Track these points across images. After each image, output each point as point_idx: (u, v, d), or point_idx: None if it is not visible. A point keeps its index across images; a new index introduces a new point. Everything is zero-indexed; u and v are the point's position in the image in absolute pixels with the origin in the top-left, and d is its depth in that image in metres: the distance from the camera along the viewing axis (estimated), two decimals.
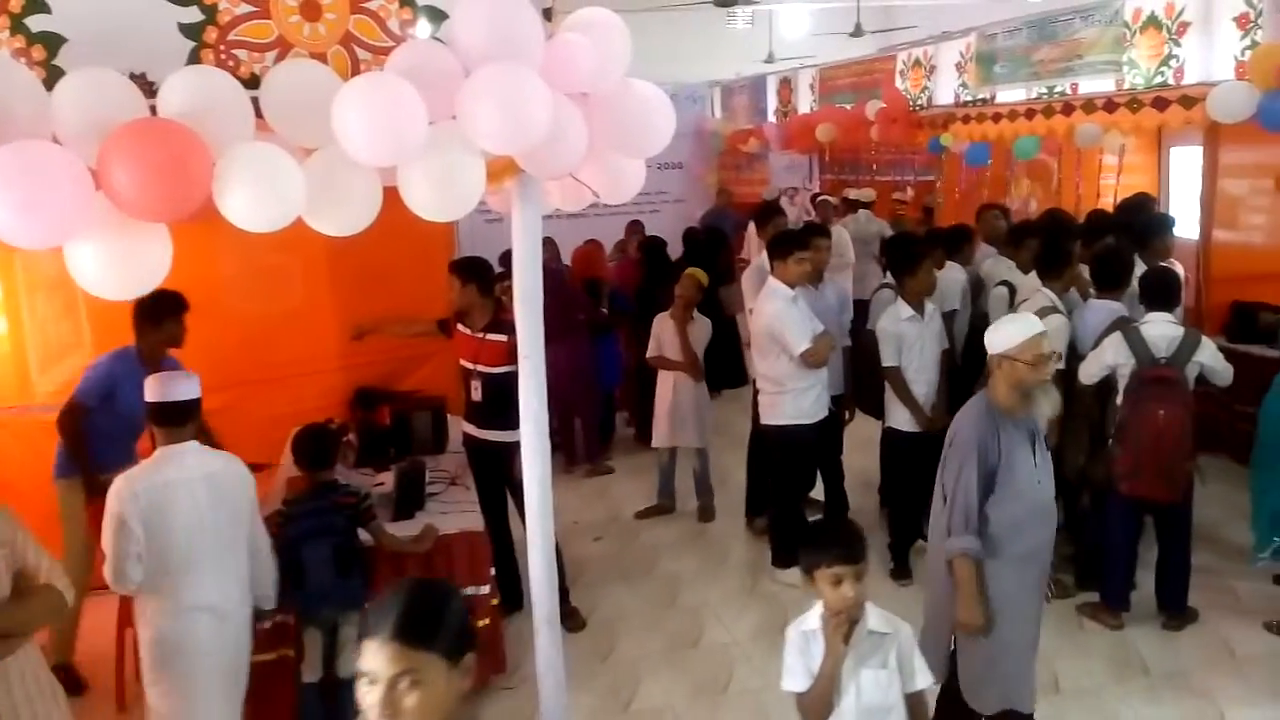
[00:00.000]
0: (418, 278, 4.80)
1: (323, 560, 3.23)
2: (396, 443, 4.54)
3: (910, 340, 4.72)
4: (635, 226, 8.26)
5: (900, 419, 4.82)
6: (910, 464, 4.76)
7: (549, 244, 7.30)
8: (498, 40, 2.04)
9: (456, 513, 3.83)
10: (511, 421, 2.71)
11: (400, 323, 4.66)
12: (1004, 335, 2.94)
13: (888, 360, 4.74)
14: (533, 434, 2.47)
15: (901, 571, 4.90)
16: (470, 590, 3.54)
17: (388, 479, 4.10)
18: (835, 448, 5.31)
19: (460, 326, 4.34)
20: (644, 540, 5.42)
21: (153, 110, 1.86)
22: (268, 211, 1.87)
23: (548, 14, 2.24)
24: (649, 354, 5.68)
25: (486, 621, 3.66)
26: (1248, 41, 5.49)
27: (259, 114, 1.93)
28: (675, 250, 7.42)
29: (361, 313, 4.71)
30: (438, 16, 2.14)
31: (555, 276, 6.62)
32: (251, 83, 1.99)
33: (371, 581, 3.31)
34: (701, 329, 5.63)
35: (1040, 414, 2.98)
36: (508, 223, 2.43)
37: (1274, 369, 4.42)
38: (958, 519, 2.95)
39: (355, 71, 2.11)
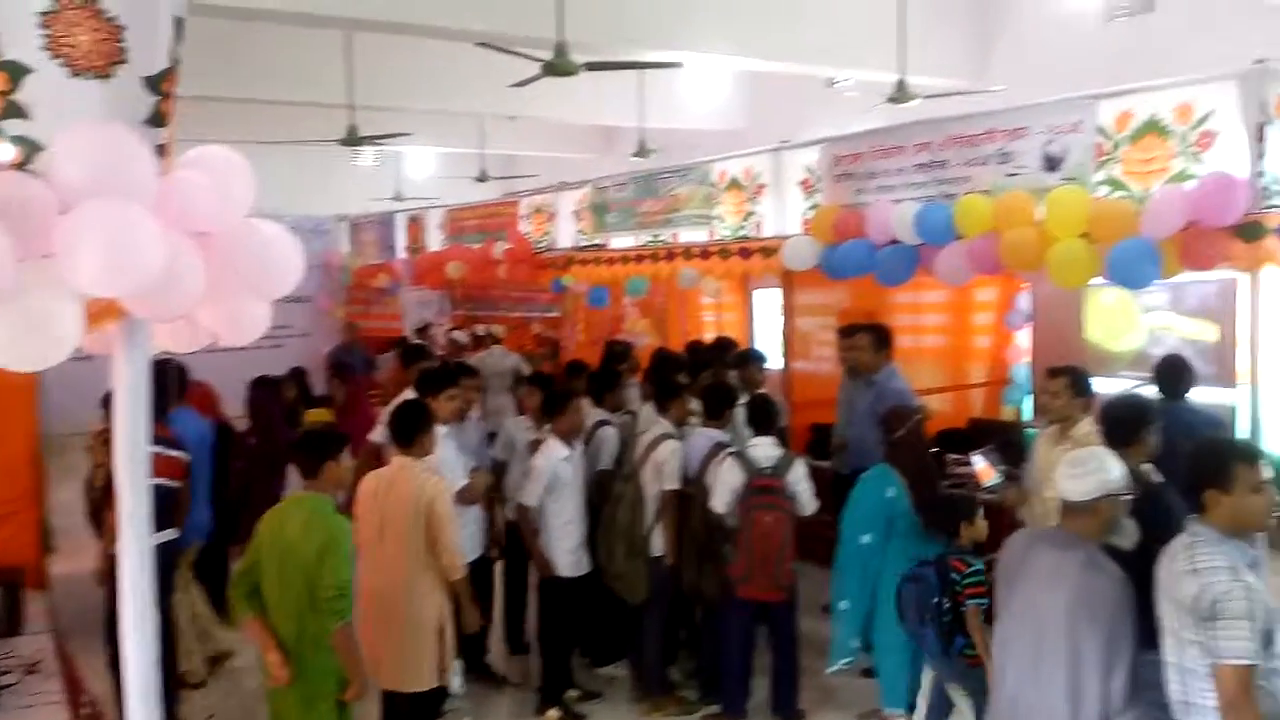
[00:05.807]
0: None
1: None
2: None
3: (565, 479, 4.81)
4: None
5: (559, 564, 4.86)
6: (567, 609, 4.85)
7: (200, 391, 6.46)
8: (102, 175, 1.91)
9: (40, 705, 3.30)
10: None
11: None
12: None
13: (530, 499, 4.76)
14: (137, 615, 2.20)
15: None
16: None
17: None
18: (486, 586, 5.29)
19: None
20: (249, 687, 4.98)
21: None
22: None
23: (161, 151, 2.14)
24: None
25: None
26: (811, 202, 6.46)
27: None
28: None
29: None
30: (32, 147, 1.97)
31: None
32: None
33: None
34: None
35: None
36: (99, 362, 2.22)
37: (844, 483, 5.11)
38: None
39: None
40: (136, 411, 2.19)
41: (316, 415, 5.58)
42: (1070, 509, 3.05)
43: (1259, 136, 4.08)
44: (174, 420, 5.01)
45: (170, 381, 4.94)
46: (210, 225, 2.14)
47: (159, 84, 2.14)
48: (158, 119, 2.15)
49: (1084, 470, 3.02)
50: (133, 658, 2.21)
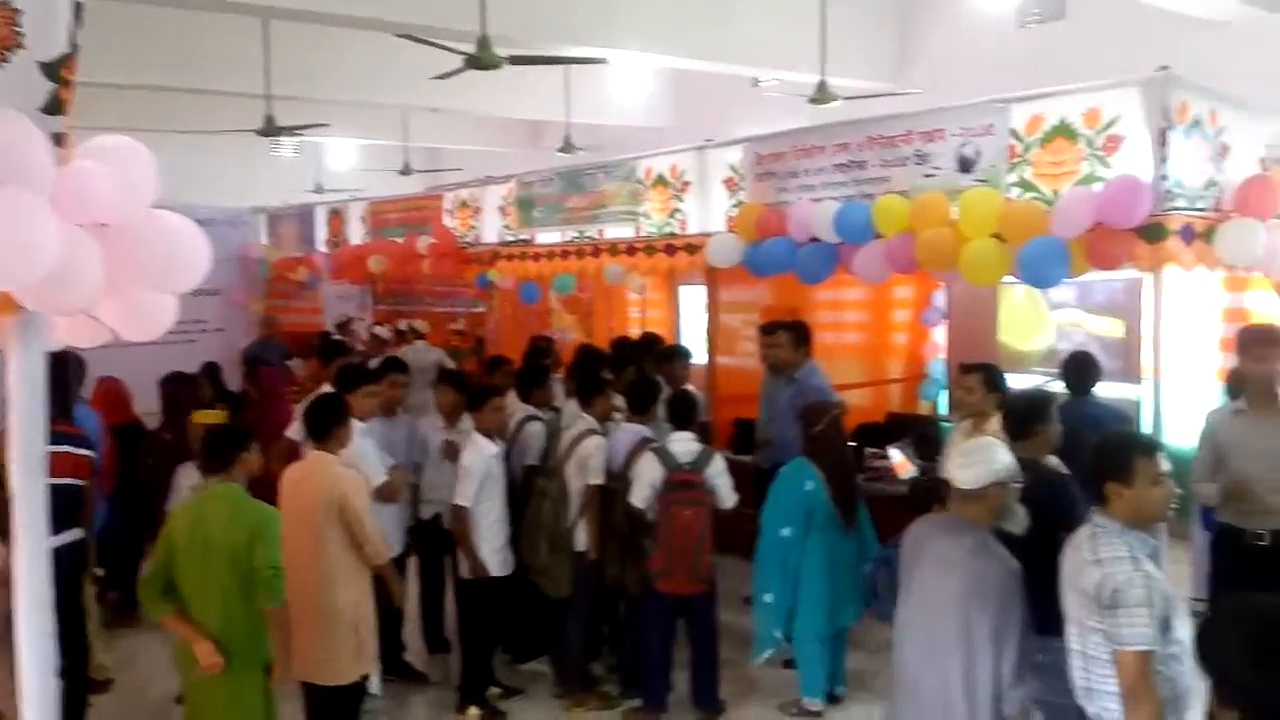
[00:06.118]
0: None
1: None
2: None
3: (495, 476, 4.77)
4: None
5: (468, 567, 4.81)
6: (490, 608, 4.81)
7: (111, 387, 6.26)
8: None
9: None
10: None
11: None
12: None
13: (463, 499, 4.69)
14: (34, 622, 2.11)
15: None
16: None
17: None
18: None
19: None
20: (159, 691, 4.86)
21: None
22: None
23: (59, 139, 2.06)
24: None
25: None
26: (735, 200, 6.51)
27: None
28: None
29: None
30: None
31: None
32: None
33: None
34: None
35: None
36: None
37: (766, 477, 5.17)
38: None
39: None
40: (33, 409, 2.10)
41: (205, 417, 5.46)
42: (961, 496, 3.17)
43: (1162, 141, 4.23)
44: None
45: (72, 377, 4.77)
46: (110, 216, 2.06)
47: (57, 70, 2.06)
48: (55, 106, 2.06)
49: (973, 459, 3.16)
50: (29, 664, 2.13)
